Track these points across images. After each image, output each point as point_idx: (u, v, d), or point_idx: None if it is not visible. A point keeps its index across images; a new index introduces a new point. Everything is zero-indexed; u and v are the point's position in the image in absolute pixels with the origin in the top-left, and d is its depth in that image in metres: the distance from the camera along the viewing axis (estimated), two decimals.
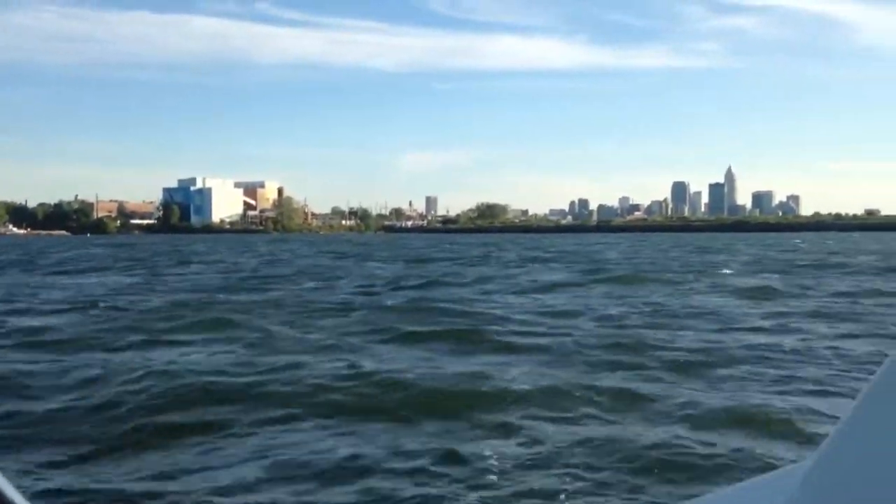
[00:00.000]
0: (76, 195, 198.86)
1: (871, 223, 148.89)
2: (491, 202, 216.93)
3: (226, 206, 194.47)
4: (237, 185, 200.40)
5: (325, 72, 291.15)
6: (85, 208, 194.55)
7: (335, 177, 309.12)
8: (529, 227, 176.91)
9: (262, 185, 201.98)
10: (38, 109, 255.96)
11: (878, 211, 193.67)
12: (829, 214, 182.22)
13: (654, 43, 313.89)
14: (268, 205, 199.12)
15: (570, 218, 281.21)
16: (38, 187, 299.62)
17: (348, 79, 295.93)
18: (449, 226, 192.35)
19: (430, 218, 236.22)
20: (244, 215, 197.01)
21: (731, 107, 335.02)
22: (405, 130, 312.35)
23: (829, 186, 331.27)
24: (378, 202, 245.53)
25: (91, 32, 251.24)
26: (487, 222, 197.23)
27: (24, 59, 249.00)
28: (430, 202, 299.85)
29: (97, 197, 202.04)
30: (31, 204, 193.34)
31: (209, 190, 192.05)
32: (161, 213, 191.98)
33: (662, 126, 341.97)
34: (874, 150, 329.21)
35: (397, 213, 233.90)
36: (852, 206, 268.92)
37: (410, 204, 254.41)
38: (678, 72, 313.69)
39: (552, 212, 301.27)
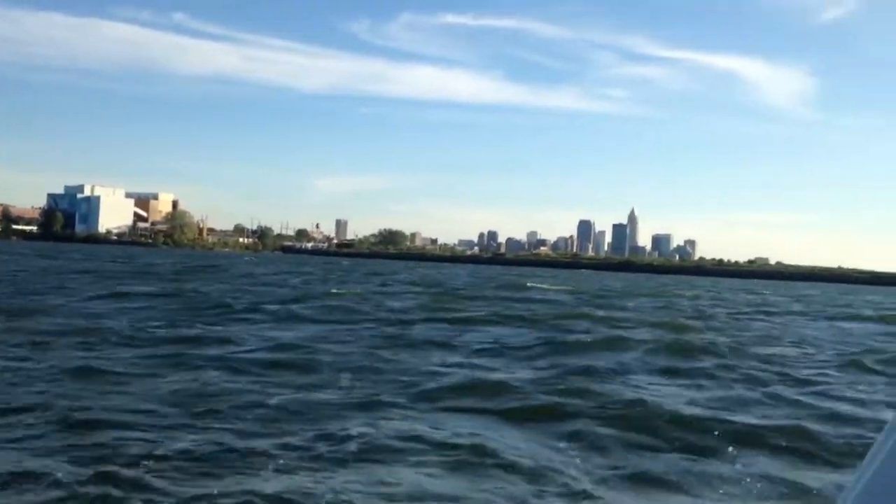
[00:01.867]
0: None
1: (747, 270, 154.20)
2: (394, 228, 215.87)
3: (115, 216, 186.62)
4: (129, 195, 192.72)
5: (241, 88, 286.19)
6: None
7: (246, 195, 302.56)
8: (424, 255, 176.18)
9: (155, 197, 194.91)
10: None
11: (767, 259, 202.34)
12: (713, 260, 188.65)
13: (566, 85, 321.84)
14: (161, 217, 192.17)
15: (476, 249, 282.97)
16: None
17: (265, 97, 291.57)
18: (343, 250, 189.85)
19: (334, 241, 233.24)
20: (134, 227, 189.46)
21: (637, 151, 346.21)
22: (320, 152, 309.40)
23: (725, 233, 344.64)
24: (287, 222, 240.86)
25: (3, 31, 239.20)
26: (386, 248, 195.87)
27: None
28: (340, 225, 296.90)
29: None
30: None
31: (97, 198, 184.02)
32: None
33: (572, 165, 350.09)
34: (769, 201, 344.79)
35: (301, 234, 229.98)
36: (746, 253, 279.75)
37: (317, 226, 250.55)
38: (588, 114, 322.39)
39: (461, 242, 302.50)
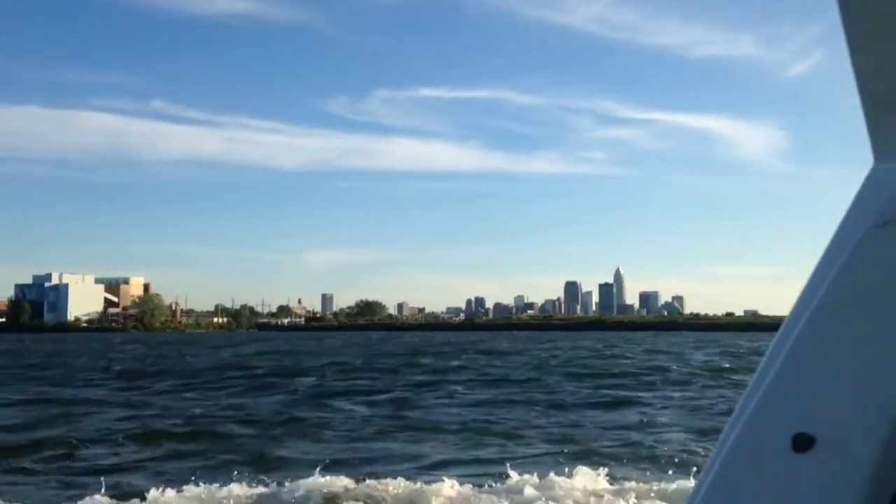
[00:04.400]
0: None
1: (722, 323, 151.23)
2: (370, 299, 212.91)
3: (85, 303, 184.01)
4: (98, 280, 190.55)
5: (222, 170, 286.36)
6: None
7: (229, 275, 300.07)
8: (398, 325, 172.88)
9: (126, 282, 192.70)
10: None
11: (756, 311, 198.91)
12: (690, 314, 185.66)
13: (544, 150, 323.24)
14: (131, 302, 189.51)
15: (462, 316, 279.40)
16: None
17: (245, 177, 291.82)
18: (312, 323, 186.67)
19: (316, 314, 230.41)
20: (105, 313, 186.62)
21: (618, 211, 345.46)
22: (304, 229, 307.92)
23: (712, 288, 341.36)
24: (270, 300, 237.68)
25: None
26: (365, 319, 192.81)
27: None
28: (326, 300, 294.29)
29: None
30: None
31: (65, 286, 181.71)
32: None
33: (554, 227, 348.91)
34: (753, 255, 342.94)
35: (283, 310, 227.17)
36: (733, 306, 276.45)
37: (300, 301, 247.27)
38: (567, 177, 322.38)
39: (449, 309, 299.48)
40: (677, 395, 22.26)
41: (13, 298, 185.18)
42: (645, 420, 16.52)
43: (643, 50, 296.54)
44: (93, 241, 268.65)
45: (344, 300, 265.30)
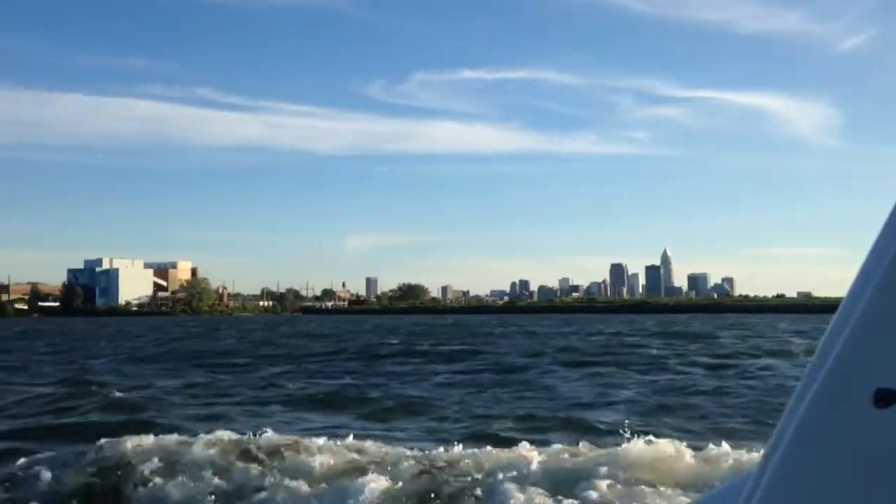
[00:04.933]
0: None
1: (772, 305, 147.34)
2: (413, 283, 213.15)
3: (135, 287, 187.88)
4: (148, 265, 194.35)
5: (264, 155, 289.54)
6: None
7: (273, 259, 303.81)
8: (440, 308, 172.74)
9: (174, 266, 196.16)
10: None
11: (810, 293, 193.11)
12: (739, 296, 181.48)
13: (585, 130, 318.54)
14: (179, 286, 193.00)
15: (506, 299, 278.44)
16: None
17: (287, 162, 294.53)
18: (355, 307, 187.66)
19: (360, 298, 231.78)
20: (154, 297, 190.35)
21: (664, 192, 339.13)
22: (345, 212, 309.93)
23: (763, 269, 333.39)
24: (314, 283, 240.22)
25: (38, 115, 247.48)
26: (408, 303, 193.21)
27: None
28: (371, 283, 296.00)
29: (9, 279, 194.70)
30: None
31: (116, 271, 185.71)
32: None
33: (600, 209, 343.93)
34: (806, 236, 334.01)
35: (328, 293, 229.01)
36: (786, 288, 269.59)
37: (343, 285, 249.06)
38: (610, 158, 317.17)
39: (493, 293, 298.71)
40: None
41: (66, 283, 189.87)
42: None
43: (687, 26, 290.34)
44: (141, 227, 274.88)
45: (388, 283, 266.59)
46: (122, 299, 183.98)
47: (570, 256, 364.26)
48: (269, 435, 9.64)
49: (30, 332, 63.46)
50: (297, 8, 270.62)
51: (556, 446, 9.22)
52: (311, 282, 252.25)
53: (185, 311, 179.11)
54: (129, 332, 63.12)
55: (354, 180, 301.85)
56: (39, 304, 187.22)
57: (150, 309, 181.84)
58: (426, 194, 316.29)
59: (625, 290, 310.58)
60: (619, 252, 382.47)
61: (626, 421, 10.34)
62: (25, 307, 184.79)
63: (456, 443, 9.31)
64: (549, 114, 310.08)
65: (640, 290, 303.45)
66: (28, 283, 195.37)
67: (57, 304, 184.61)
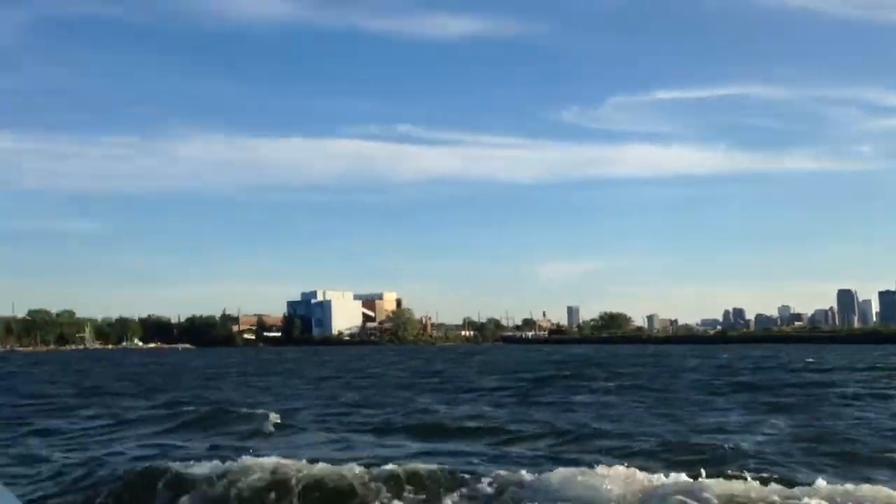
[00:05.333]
0: (224, 309, 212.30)
1: None
2: (614, 311, 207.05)
3: (346, 318, 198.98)
4: (356, 297, 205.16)
5: (461, 186, 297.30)
6: (227, 322, 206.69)
7: (474, 289, 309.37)
8: (644, 338, 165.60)
9: (380, 297, 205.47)
10: (207, 231, 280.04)
11: None
12: None
13: (799, 147, 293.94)
14: (386, 317, 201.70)
15: (718, 328, 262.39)
16: (197, 302, 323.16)
17: (484, 192, 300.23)
18: (555, 336, 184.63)
19: (560, 327, 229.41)
20: (363, 327, 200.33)
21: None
22: (544, 240, 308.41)
23: None
24: (513, 313, 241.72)
25: (251, 158, 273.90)
26: (609, 332, 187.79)
27: (196, 186, 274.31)
28: (572, 312, 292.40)
29: (239, 311, 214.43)
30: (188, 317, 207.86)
31: (329, 302, 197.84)
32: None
33: (822, 230, 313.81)
34: None
35: (528, 323, 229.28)
36: None
37: (544, 314, 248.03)
38: (829, 175, 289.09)
39: (703, 322, 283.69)
40: None
41: (286, 315, 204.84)
42: None
43: None
44: (351, 259, 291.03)
45: (590, 312, 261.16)
46: (335, 329, 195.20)
47: (790, 282, 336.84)
48: None
49: (272, 360, 67.59)
50: (487, 40, 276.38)
51: None
52: (511, 311, 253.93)
53: (392, 340, 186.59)
54: (316, 360, 64.18)
55: (552, 208, 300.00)
56: (264, 334, 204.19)
57: (361, 339, 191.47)
58: (626, 219, 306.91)
59: (855, 318, 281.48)
60: (848, 276, 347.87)
61: None
62: (253, 337, 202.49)
63: None
64: (757, 130, 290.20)
65: (874, 318, 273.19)
66: (255, 314, 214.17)
67: (279, 334, 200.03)
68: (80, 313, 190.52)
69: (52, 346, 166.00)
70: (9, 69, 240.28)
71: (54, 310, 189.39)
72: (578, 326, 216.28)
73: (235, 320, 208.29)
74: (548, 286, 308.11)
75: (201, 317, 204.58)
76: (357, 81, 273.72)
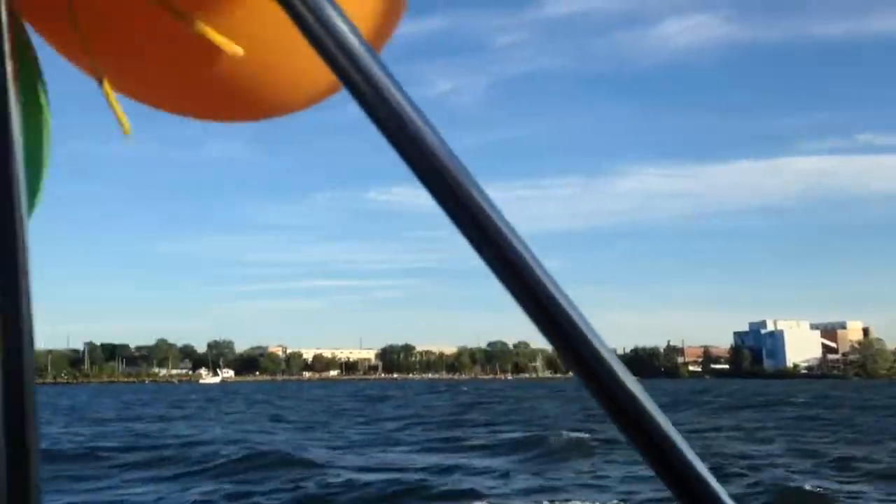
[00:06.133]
0: (668, 340, 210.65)
1: None
2: None
3: (801, 349, 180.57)
4: (813, 326, 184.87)
5: None
6: (672, 353, 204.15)
7: None
8: None
9: (842, 326, 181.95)
10: (640, 263, 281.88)
11: None
12: None
13: None
14: (849, 347, 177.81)
15: None
16: (641, 333, 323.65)
17: None
18: None
19: None
20: (823, 359, 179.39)
21: None
22: None
23: None
24: None
25: (690, 187, 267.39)
26: None
27: (626, 220, 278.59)
28: None
29: (683, 342, 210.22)
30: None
31: (780, 332, 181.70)
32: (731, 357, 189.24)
33: None
34: None
35: None
36: None
37: None
38: None
39: None
40: None
41: (733, 346, 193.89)
42: None
43: None
44: (807, 286, 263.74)
45: None
46: (789, 362, 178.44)
47: None
48: None
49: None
50: None
51: None
52: None
53: (859, 374, 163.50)
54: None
55: None
56: (711, 366, 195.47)
57: (821, 372, 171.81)
58: None
59: None
60: None
61: None
62: (699, 369, 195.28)
63: None
64: None
65: None
66: (700, 345, 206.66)
67: (727, 366, 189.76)
68: (534, 345, 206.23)
69: (509, 376, 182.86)
70: None
71: (511, 341, 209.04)
72: None
73: (680, 351, 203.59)
74: None
75: (644, 348, 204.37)
76: (810, 93, 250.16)
